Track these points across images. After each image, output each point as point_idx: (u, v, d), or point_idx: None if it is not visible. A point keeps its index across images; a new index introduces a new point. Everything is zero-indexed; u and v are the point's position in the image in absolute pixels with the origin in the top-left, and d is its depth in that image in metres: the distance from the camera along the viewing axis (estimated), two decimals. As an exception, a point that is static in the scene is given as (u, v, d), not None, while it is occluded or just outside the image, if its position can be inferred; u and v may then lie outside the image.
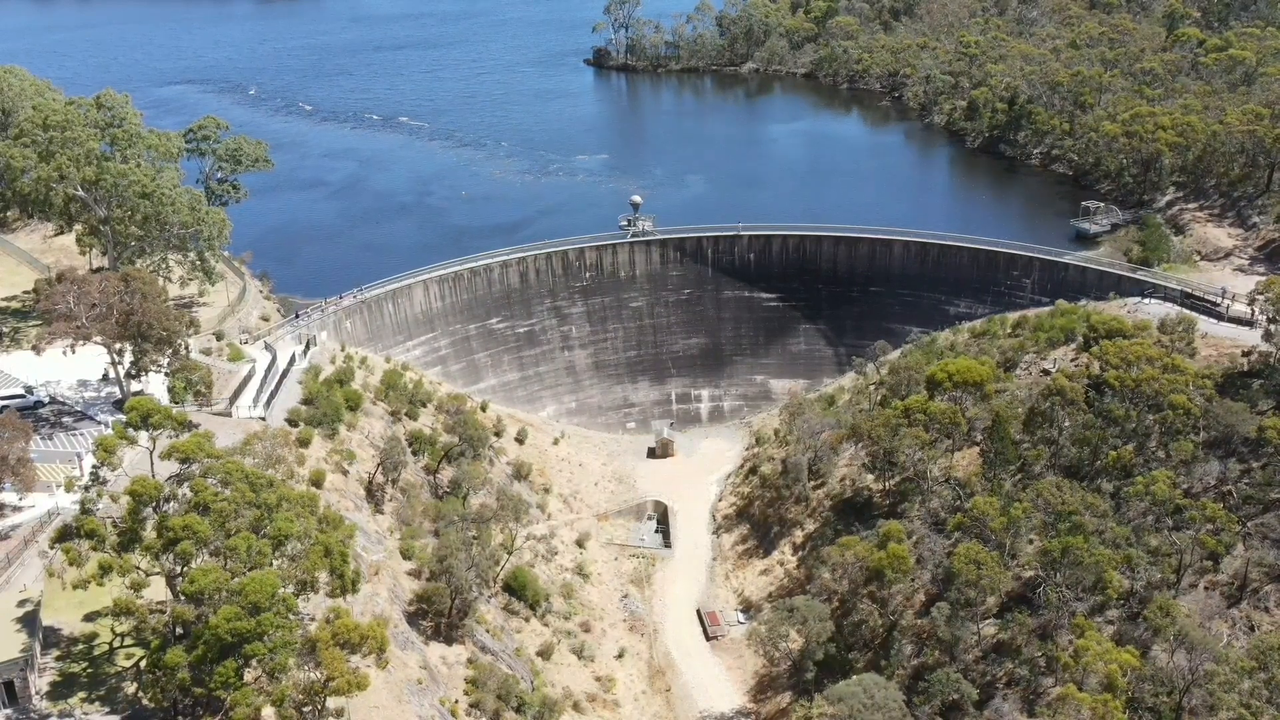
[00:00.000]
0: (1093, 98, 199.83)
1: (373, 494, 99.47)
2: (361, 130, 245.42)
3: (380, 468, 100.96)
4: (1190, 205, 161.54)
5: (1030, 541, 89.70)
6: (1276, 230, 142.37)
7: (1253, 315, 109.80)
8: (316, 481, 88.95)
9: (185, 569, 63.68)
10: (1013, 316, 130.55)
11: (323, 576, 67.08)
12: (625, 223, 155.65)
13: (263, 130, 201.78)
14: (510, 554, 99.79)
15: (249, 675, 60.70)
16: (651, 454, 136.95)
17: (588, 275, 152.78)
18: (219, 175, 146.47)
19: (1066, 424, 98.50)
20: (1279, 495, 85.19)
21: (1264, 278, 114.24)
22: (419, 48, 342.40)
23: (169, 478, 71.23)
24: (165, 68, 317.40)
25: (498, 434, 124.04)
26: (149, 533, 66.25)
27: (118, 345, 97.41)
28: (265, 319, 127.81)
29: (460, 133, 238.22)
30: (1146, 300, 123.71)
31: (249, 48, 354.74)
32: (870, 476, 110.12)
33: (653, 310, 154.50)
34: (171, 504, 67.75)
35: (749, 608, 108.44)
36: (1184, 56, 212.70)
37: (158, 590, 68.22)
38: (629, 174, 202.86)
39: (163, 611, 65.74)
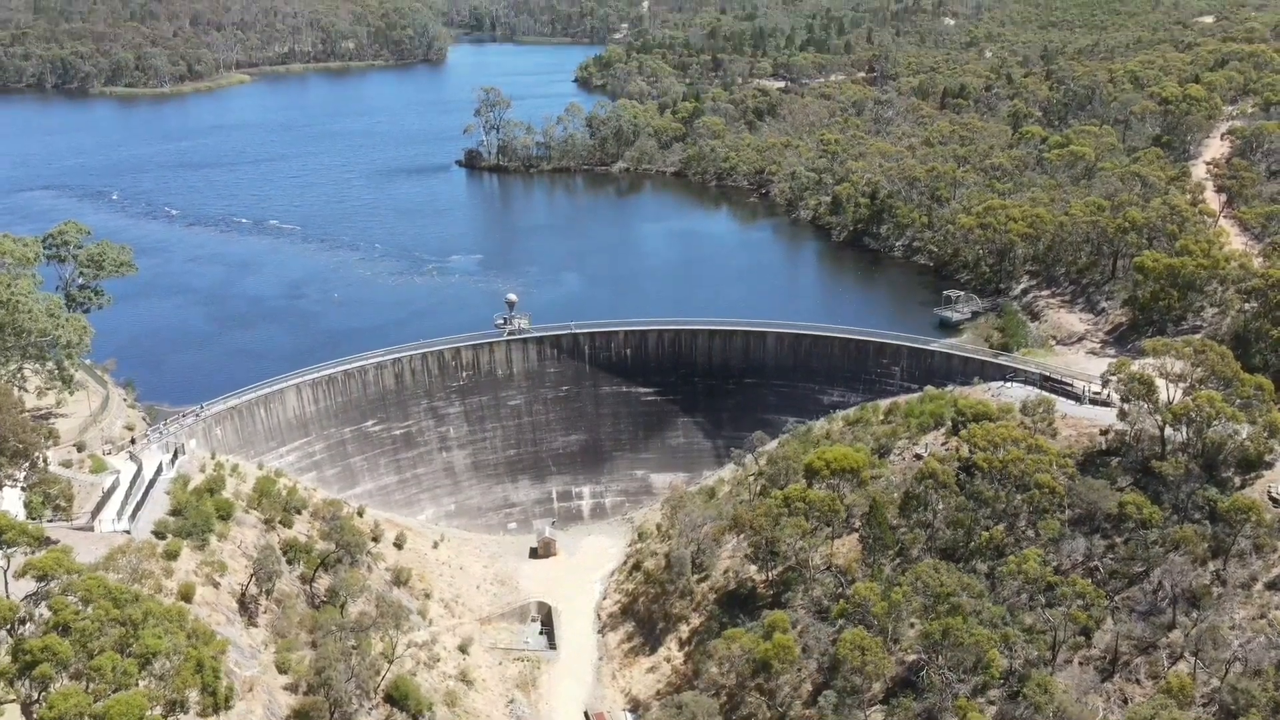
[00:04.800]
0: (948, 192, 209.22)
1: (246, 606, 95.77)
2: (229, 235, 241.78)
3: (253, 578, 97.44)
4: (1044, 292, 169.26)
5: (911, 625, 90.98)
6: (1123, 315, 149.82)
7: (1107, 396, 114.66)
8: (186, 595, 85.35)
9: (44, 694, 60.16)
10: (884, 404, 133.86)
11: (193, 695, 64.18)
12: (501, 321, 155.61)
13: (127, 235, 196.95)
14: (391, 663, 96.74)
15: (114, 806, 57.30)
16: (534, 554, 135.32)
17: (464, 375, 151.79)
18: (79, 281, 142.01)
19: (940, 507, 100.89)
20: (1142, 569, 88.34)
21: (1115, 359, 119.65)
22: (287, 158, 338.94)
23: (25, 597, 67.65)
24: (20, 175, 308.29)
25: (375, 539, 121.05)
26: (3, 657, 62.57)
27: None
28: (130, 428, 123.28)
29: (332, 236, 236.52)
30: (1008, 384, 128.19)
31: (110, 153, 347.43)
32: (753, 567, 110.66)
33: (531, 408, 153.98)
34: (28, 625, 64.25)
35: (637, 707, 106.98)
36: (1029, 153, 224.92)
37: (13, 719, 64.20)
38: (503, 273, 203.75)
39: (18, 742, 61.89)
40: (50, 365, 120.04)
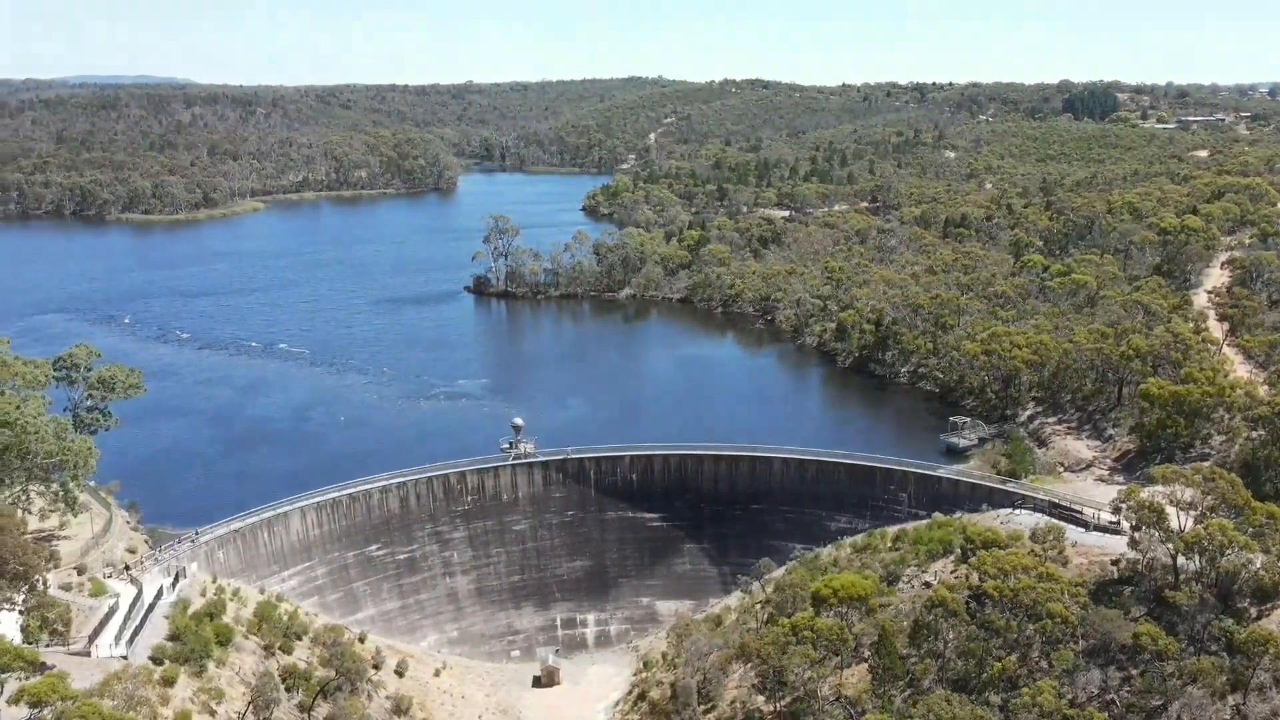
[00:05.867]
0: (952, 319, 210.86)
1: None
2: (238, 358, 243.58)
3: (251, 706, 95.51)
4: (1050, 419, 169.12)
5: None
6: (1130, 441, 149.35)
7: (1117, 523, 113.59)
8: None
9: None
10: (892, 530, 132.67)
11: (185, 829, 62.34)
12: (506, 445, 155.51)
13: (137, 358, 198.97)
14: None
15: None
16: (537, 683, 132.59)
17: (469, 499, 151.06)
18: (88, 403, 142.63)
19: (951, 636, 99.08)
20: (1160, 702, 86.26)
21: (1124, 486, 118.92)
22: (297, 284, 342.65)
23: (18, 725, 66.38)
24: (35, 298, 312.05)
25: (376, 666, 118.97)
26: (-7, 788, 61.10)
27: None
28: (132, 551, 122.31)
29: (340, 360, 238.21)
30: (1017, 511, 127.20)
31: (123, 278, 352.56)
32: (760, 698, 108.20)
33: (536, 533, 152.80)
34: (20, 754, 62.92)
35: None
36: (1031, 281, 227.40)
37: None
38: (510, 397, 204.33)
39: None
40: (55, 487, 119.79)
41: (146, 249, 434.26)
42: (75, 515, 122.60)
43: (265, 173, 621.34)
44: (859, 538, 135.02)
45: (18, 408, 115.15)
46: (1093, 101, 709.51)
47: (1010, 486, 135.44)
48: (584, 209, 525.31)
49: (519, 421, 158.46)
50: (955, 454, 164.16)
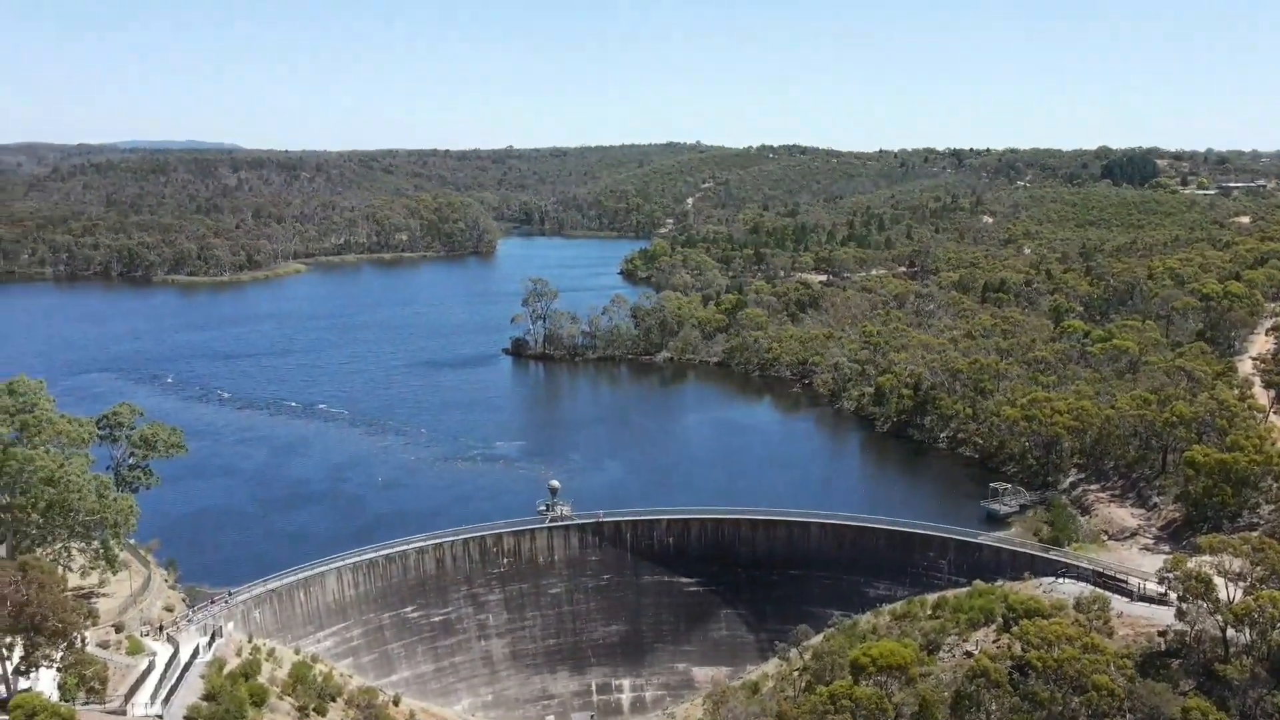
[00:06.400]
0: (991, 384, 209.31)
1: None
2: (278, 418, 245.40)
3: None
4: (1093, 486, 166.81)
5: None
6: (1176, 510, 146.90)
7: (1164, 593, 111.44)
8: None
9: None
10: (932, 598, 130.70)
11: None
12: (543, 508, 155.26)
13: (179, 417, 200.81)
14: None
15: None
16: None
17: (505, 561, 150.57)
18: (130, 461, 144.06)
19: (994, 708, 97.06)
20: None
21: (1170, 556, 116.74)
22: (337, 345, 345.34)
23: (54, 784, 66.17)
24: (80, 357, 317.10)
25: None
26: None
27: (7, 639, 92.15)
28: (169, 609, 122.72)
29: (379, 421, 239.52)
30: (1060, 580, 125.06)
31: (166, 338, 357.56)
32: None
33: (572, 596, 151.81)
34: (54, 814, 62.71)
35: None
36: (1072, 346, 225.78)
37: None
38: (547, 459, 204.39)
39: None
40: (96, 544, 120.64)
41: (190, 310, 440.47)
42: (115, 573, 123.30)
43: (308, 235, 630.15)
44: (898, 605, 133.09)
45: (61, 465, 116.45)
46: (1132, 168, 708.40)
47: (1053, 555, 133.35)
48: (622, 273, 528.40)
49: (556, 484, 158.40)
50: (996, 521, 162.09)
